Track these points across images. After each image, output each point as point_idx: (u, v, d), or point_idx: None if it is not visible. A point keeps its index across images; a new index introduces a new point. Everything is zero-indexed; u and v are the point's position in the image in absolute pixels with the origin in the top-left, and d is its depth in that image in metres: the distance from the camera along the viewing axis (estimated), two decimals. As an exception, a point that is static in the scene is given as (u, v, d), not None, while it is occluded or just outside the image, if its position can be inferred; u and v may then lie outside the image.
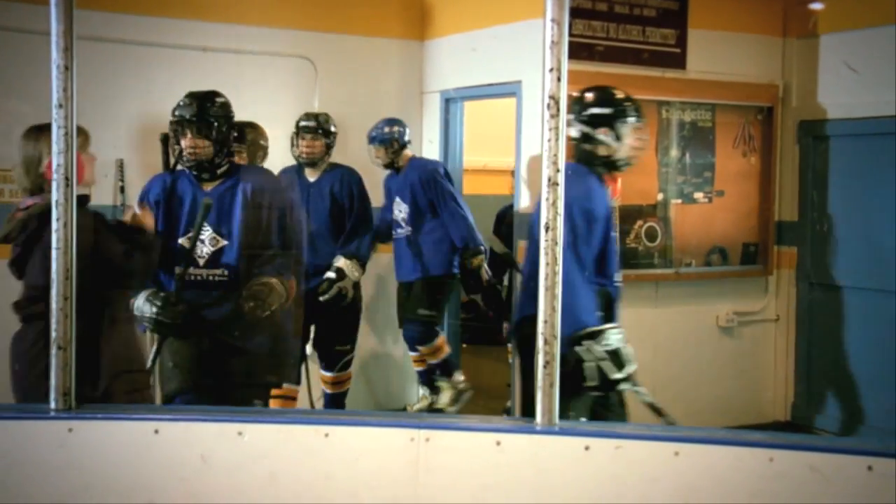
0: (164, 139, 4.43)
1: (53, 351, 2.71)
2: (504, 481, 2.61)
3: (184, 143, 4.00)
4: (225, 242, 4.04)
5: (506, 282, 6.50)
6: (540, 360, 2.62)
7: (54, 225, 2.71)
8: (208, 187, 4.08)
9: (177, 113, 4.06)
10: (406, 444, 2.65)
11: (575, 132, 3.92)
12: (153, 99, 5.74)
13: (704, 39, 6.25)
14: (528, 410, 2.76)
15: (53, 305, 2.71)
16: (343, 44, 6.38)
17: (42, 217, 3.43)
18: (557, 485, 2.58)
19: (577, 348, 3.74)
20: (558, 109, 2.61)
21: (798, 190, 6.56)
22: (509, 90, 6.00)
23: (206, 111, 4.02)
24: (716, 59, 6.31)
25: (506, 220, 6.52)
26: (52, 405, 2.73)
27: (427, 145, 6.69)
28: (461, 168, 6.65)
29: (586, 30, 5.83)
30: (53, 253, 2.71)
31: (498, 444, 2.61)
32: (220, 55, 6.00)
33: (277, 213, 4.11)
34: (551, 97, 2.61)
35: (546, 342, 2.62)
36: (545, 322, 2.62)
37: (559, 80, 2.61)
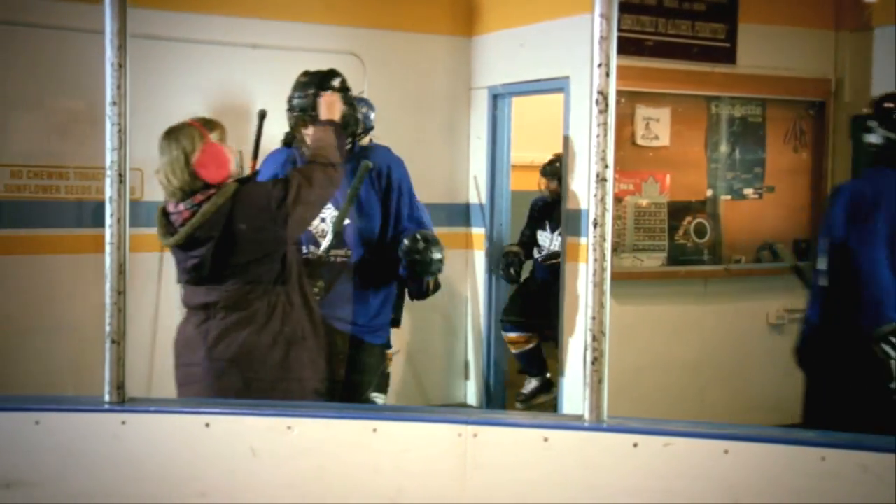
0: (262, 115, 4.35)
1: (107, 345, 2.75)
2: (551, 477, 2.60)
3: (306, 130, 3.91)
4: (348, 221, 3.98)
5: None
6: (588, 356, 2.61)
7: (108, 221, 2.75)
8: None
9: (296, 96, 3.98)
10: (454, 439, 2.65)
11: (876, 138, 3.90)
12: (204, 96, 5.82)
13: (755, 33, 6.18)
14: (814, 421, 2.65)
15: (108, 300, 2.75)
16: (391, 40, 6.40)
17: (222, 209, 3.44)
18: (605, 481, 2.57)
19: (883, 345, 3.63)
20: (607, 105, 2.60)
21: (851, 186, 6.46)
22: (557, 86, 5.98)
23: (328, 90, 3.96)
24: (766, 54, 6.24)
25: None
26: (106, 398, 2.77)
27: (475, 141, 6.69)
28: (509, 164, 6.64)
29: (635, 25, 5.79)
30: (107, 248, 2.75)
31: (545, 440, 2.61)
32: (269, 52, 6.05)
33: (397, 195, 4.05)
34: (600, 93, 2.60)
35: (594, 339, 2.61)
36: (593, 318, 2.61)
37: (608, 75, 2.60)
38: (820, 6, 6.46)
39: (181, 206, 3.50)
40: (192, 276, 3.57)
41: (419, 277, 4.03)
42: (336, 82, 3.97)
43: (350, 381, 3.95)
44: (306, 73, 4.03)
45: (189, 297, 3.63)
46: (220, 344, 3.52)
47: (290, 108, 3.98)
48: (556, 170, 6.33)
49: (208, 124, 3.58)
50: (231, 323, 3.51)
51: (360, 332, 4.01)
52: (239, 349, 3.50)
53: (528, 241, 6.80)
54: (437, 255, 3.93)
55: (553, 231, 6.60)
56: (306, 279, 3.67)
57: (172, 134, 3.54)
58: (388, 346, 4.50)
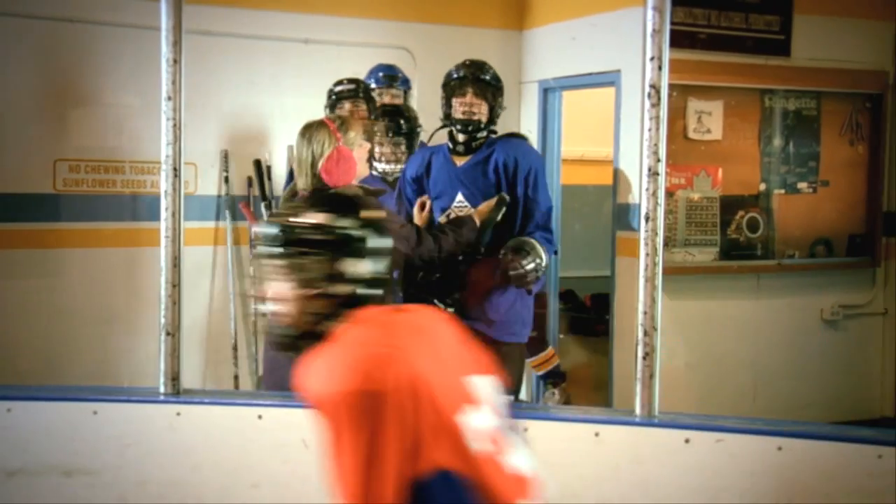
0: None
1: (162, 337, 2.80)
2: (602, 472, 2.60)
3: (458, 101, 3.94)
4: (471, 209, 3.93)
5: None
6: (640, 351, 2.60)
7: (162, 214, 2.79)
8: (460, 161, 4.00)
9: (458, 70, 4.02)
10: (504, 433, 2.66)
11: None
12: (257, 90, 5.88)
13: (810, 25, 6.09)
14: None
15: (162, 292, 2.80)
16: (442, 34, 6.41)
17: None
18: (656, 477, 2.57)
19: None
20: (659, 99, 2.59)
21: (908, 180, 6.37)
22: (608, 79, 5.95)
23: (485, 73, 3.99)
24: (822, 46, 6.15)
25: None
26: (161, 389, 2.82)
27: (526, 135, 6.67)
28: (559, 158, 6.62)
29: (687, 17, 5.74)
30: (162, 241, 2.79)
31: (597, 434, 2.61)
32: (321, 47, 6.09)
33: (523, 188, 3.96)
34: (652, 86, 2.59)
35: (646, 333, 2.60)
36: (644, 313, 2.61)
37: (660, 68, 2.59)
38: (877, -3, 6.36)
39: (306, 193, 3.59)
40: None
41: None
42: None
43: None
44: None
45: None
46: None
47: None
48: None
49: (343, 125, 3.61)
50: None
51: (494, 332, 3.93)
52: None
53: None
54: (529, 266, 3.82)
55: None
56: None
57: (306, 133, 3.57)
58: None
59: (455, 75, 4.03)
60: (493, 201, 3.83)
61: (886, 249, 6.42)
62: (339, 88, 4.89)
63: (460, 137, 3.97)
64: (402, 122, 4.75)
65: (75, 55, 5.63)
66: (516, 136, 4.26)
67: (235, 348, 5.79)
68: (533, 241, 3.86)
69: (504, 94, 4.05)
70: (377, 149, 4.62)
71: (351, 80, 4.97)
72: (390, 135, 4.63)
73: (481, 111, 3.92)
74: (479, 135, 3.94)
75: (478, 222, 3.82)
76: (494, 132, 4.04)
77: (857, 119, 6.29)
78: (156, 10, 2.77)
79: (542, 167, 4.09)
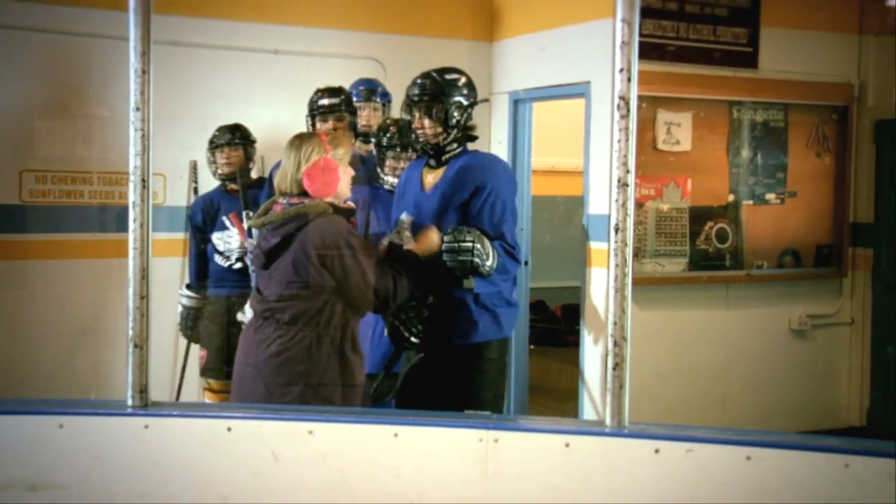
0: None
1: (130, 349, 2.77)
2: (573, 483, 2.60)
3: (413, 124, 3.86)
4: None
5: None
6: (610, 361, 2.61)
7: (131, 225, 2.77)
8: (430, 176, 3.92)
9: (408, 92, 3.89)
10: (475, 444, 2.65)
11: None
12: (226, 101, 5.86)
13: (777, 38, 6.16)
14: None
15: (130, 304, 2.77)
16: (412, 45, 6.41)
17: (301, 218, 3.48)
18: (627, 487, 2.57)
19: None
20: (628, 110, 2.60)
21: (874, 190, 6.44)
22: (578, 91, 5.97)
23: (425, 94, 3.83)
24: (789, 58, 6.22)
25: None
26: (129, 402, 2.79)
27: (496, 146, 6.69)
28: (529, 169, 6.64)
29: (656, 29, 5.79)
30: (130, 252, 2.77)
31: (567, 445, 2.61)
32: (291, 57, 6.08)
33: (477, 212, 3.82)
34: (621, 98, 2.60)
35: (616, 344, 2.61)
36: (614, 324, 2.61)
37: (629, 80, 2.60)
38: (843, 10, 6.43)
39: (281, 200, 3.57)
40: (255, 263, 3.73)
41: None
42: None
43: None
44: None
45: (250, 302, 3.77)
46: (251, 352, 3.59)
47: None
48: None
49: (334, 141, 3.62)
50: (262, 336, 3.56)
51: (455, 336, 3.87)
52: (258, 361, 3.54)
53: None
54: (467, 243, 3.64)
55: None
56: (355, 336, 3.63)
57: (296, 140, 3.59)
58: None
59: (405, 96, 3.93)
60: (432, 237, 3.69)
61: (853, 260, 6.50)
62: (324, 102, 4.86)
63: (426, 155, 3.92)
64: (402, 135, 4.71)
65: (42, 65, 5.59)
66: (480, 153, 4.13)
67: (205, 360, 5.75)
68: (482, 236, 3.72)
69: (466, 94, 3.87)
70: (389, 162, 4.60)
71: (333, 92, 4.95)
72: (398, 149, 4.59)
73: (431, 131, 3.82)
74: (448, 149, 3.86)
75: (419, 256, 3.68)
76: (473, 137, 3.93)
77: (823, 131, 6.36)
78: (124, 20, 2.75)
79: (501, 183, 3.86)
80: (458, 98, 3.84)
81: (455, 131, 3.84)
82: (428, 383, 3.85)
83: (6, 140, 5.53)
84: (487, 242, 3.70)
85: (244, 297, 4.87)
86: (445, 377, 3.82)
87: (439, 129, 3.82)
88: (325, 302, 3.50)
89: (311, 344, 3.49)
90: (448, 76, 3.89)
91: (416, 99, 3.85)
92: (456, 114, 3.82)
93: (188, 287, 5.35)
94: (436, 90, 3.85)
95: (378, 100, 5.29)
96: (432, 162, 3.90)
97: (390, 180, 4.52)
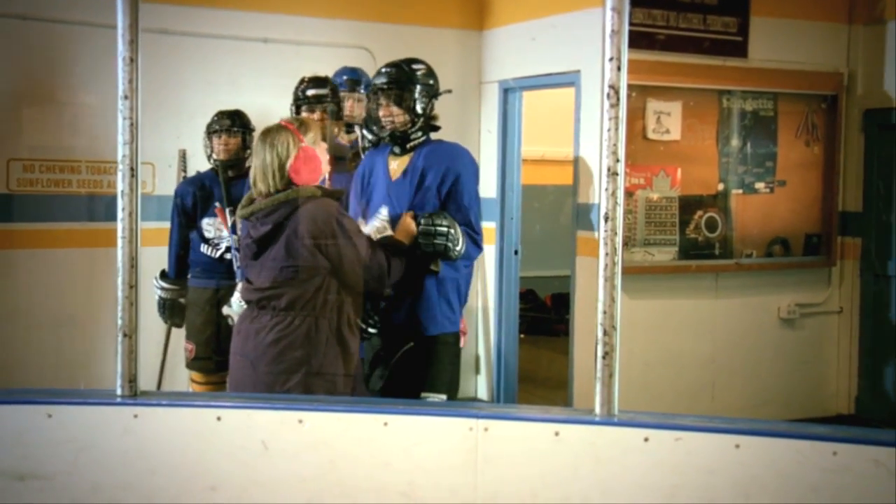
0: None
1: (119, 338, 2.76)
2: (562, 471, 2.60)
3: (379, 111, 3.92)
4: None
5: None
6: (599, 350, 2.61)
7: (119, 214, 2.76)
8: (394, 163, 3.97)
9: (374, 81, 3.97)
10: (464, 433, 2.66)
11: None
12: (215, 90, 5.84)
13: (767, 27, 6.16)
14: None
15: (119, 293, 2.76)
16: (402, 34, 6.40)
17: (292, 204, 3.49)
18: (616, 475, 2.57)
19: None
20: (618, 99, 2.59)
21: (863, 179, 6.45)
22: (568, 80, 5.97)
23: (392, 82, 3.91)
24: (778, 47, 6.22)
25: None
26: (118, 392, 2.78)
27: (485, 136, 6.69)
28: (520, 158, 6.64)
29: (646, 18, 5.78)
30: (119, 241, 2.76)
31: (556, 434, 2.61)
32: (280, 46, 6.07)
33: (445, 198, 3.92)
34: (611, 87, 2.60)
35: (605, 333, 2.61)
36: (604, 313, 2.61)
37: (619, 69, 2.60)
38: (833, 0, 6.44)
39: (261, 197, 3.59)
40: (243, 256, 3.70)
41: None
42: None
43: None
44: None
45: (242, 292, 3.76)
46: (249, 341, 3.58)
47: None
48: None
49: (302, 126, 3.62)
50: (259, 325, 3.56)
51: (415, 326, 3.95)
52: (257, 350, 3.54)
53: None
54: (441, 226, 3.76)
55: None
56: (352, 318, 3.64)
57: (268, 138, 3.57)
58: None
59: (371, 85, 4.02)
60: (410, 223, 3.79)
61: (842, 249, 6.51)
62: (310, 92, 4.87)
63: (392, 142, 3.98)
64: None
65: (30, 53, 5.56)
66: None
67: (194, 350, 5.74)
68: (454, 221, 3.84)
69: (431, 84, 3.96)
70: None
71: (320, 82, 4.94)
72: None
73: (398, 118, 3.90)
74: (412, 136, 3.93)
75: (405, 243, 3.79)
76: (435, 127, 4.00)
77: (812, 120, 6.37)
78: (112, 8, 2.74)
79: (466, 173, 3.96)
80: (423, 87, 3.94)
81: (420, 120, 3.93)
82: (392, 372, 3.93)
83: (-6, 129, 5.51)
84: (458, 227, 3.82)
85: (234, 289, 4.86)
86: (405, 366, 3.90)
87: (406, 117, 3.90)
88: (319, 286, 3.51)
89: (309, 328, 3.50)
90: (414, 66, 4.00)
91: (384, 87, 3.92)
92: (421, 102, 3.92)
93: (163, 277, 5.26)
94: (403, 79, 3.94)
95: (362, 91, 5.27)
96: (397, 149, 3.97)
97: None
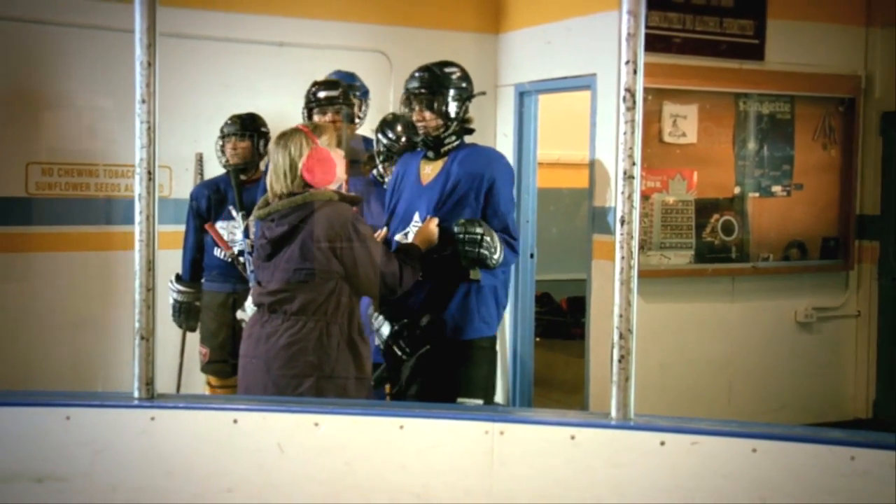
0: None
1: (136, 341, 2.77)
2: (578, 475, 2.60)
3: (413, 117, 3.89)
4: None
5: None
6: (615, 354, 2.61)
7: (137, 218, 2.77)
8: (427, 178, 3.94)
9: (407, 85, 3.94)
10: (480, 436, 2.66)
11: None
12: (231, 93, 5.86)
13: (784, 30, 6.14)
14: None
15: (137, 296, 2.77)
16: (418, 38, 6.40)
17: (308, 207, 3.50)
18: (632, 479, 2.57)
19: None
20: (634, 102, 2.59)
21: (880, 182, 6.42)
22: (584, 83, 5.97)
23: (424, 86, 3.88)
24: (795, 50, 6.20)
25: None
26: (136, 394, 2.80)
27: (501, 139, 6.69)
28: (535, 161, 6.63)
29: (662, 21, 5.77)
30: (136, 245, 2.77)
31: (572, 438, 2.61)
32: (296, 50, 6.08)
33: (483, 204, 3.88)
34: (627, 90, 2.60)
35: (621, 336, 2.60)
36: (620, 316, 2.61)
37: (635, 72, 2.59)
38: (850, 2, 6.41)
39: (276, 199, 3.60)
40: (255, 257, 3.71)
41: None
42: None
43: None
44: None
45: (252, 297, 3.77)
46: (260, 345, 3.60)
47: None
48: None
49: (317, 129, 3.63)
50: (271, 329, 3.57)
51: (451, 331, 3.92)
52: (269, 354, 3.55)
53: None
54: (477, 233, 3.70)
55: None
56: (362, 324, 3.65)
57: (282, 139, 3.60)
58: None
59: (404, 89, 3.96)
60: (431, 229, 3.76)
61: (859, 252, 6.48)
62: (321, 95, 4.87)
63: (425, 147, 3.95)
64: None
65: (48, 58, 5.59)
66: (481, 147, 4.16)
67: (210, 352, 5.76)
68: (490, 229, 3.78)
69: (465, 87, 3.94)
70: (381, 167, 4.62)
71: (331, 85, 4.94)
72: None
73: (432, 123, 3.86)
74: (447, 141, 3.90)
75: (422, 249, 3.76)
76: (470, 130, 3.97)
77: (830, 123, 6.35)
78: (130, 13, 2.75)
79: (503, 177, 3.94)
80: (456, 91, 3.90)
81: (454, 124, 3.89)
82: (425, 376, 3.90)
83: (12, 132, 5.54)
84: (495, 235, 3.77)
85: (247, 293, 4.87)
86: (442, 370, 3.87)
87: (440, 122, 3.87)
88: (331, 290, 3.51)
89: (321, 334, 3.50)
90: (447, 69, 3.96)
91: (416, 91, 3.89)
92: (455, 106, 3.88)
93: (178, 280, 5.28)
94: (435, 83, 3.90)
95: (357, 94, 5.27)
96: (431, 154, 3.94)
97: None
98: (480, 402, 3.89)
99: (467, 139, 3.99)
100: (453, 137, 3.91)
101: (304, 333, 3.50)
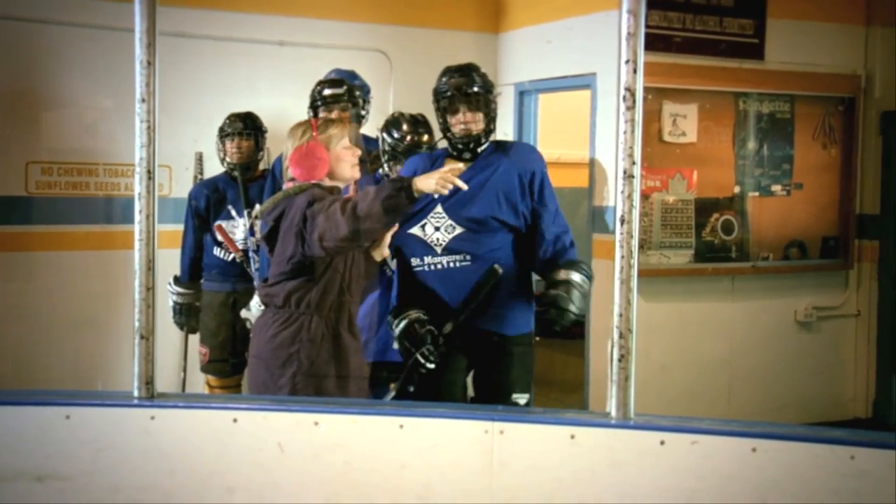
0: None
1: (136, 340, 2.78)
2: (578, 474, 2.60)
3: (453, 119, 3.82)
4: (461, 230, 3.80)
5: None
6: (615, 353, 2.61)
7: (136, 217, 2.77)
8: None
9: (445, 85, 3.86)
10: (480, 436, 2.66)
11: None
12: (232, 92, 5.85)
13: (783, 29, 6.14)
14: None
15: (136, 296, 2.78)
16: (418, 37, 6.40)
17: (289, 199, 3.50)
18: (632, 479, 2.57)
19: None
20: (634, 101, 2.59)
21: (880, 182, 6.42)
22: (584, 82, 5.96)
23: (473, 84, 3.83)
24: (795, 49, 6.20)
25: None
26: (136, 393, 2.80)
27: (501, 138, 6.68)
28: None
29: (662, 21, 5.77)
30: (136, 244, 2.77)
31: (572, 437, 2.61)
32: (296, 49, 6.08)
33: (538, 198, 3.88)
34: (627, 89, 2.60)
35: (621, 335, 2.60)
36: (620, 315, 2.61)
37: (635, 71, 2.60)
38: (850, 2, 6.41)
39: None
40: (265, 247, 3.72)
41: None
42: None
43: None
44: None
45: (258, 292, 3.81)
46: (255, 339, 3.64)
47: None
48: None
49: (325, 124, 3.62)
50: (263, 322, 3.59)
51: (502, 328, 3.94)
52: (259, 347, 3.57)
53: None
54: (573, 309, 3.77)
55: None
56: (352, 319, 3.62)
57: (291, 129, 3.64)
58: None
59: (444, 90, 3.88)
60: (446, 176, 3.42)
61: (859, 251, 6.48)
62: (327, 92, 4.85)
63: (463, 150, 3.87)
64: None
65: (48, 57, 5.59)
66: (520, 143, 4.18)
67: (210, 352, 5.76)
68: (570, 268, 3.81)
69: (494, 89, 3.96)
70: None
71: (336, 83, 4.93)
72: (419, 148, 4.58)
73: (478, 124, 3.83)
74: (483, 141, 3.87)
75: (416, 189, 3.31)
76: (494, 131, 3.96)
77: (829, 122, 6.34)
78: (130, 12, 2.75)
79: (545, 168, 3.99)
80: (493, 91, 3.92)
81: (493, 123, 3.89)
82: (468, 374, 3.93)
83: (12, 131, 5.53)
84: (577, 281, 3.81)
85: (249, 292, 4.86)
86: (490, 368, 3.89)
87: (484, 124, 3.85)
88: (314, 282, 3.51)
89: (302, 325, 3.50)
90: (481, 70, 3.95)
91: (469, 92, 3.82)
92: (495, 107, 3.89)
93: (176, 281, 5.26)
94: (485, 83, 3.90)
95: (358, 94, 5.26)
96: (467, 155, 3.86)
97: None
98: (528, 396, 3.94)
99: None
100: (486, 140, 3.89)
101: (287, 324, 3.51)
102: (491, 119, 3.87)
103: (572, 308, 3.79)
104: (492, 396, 3.81)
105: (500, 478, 2.64)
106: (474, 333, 3.84)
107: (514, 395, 3.85)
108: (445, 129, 3.89)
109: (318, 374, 3.52)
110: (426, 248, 3.82)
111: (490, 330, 3.86)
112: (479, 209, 3.80)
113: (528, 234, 3.91)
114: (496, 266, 3.77)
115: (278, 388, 3.46)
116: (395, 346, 3.84)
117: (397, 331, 3.79)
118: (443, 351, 3.75)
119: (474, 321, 3.82)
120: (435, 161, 3.94)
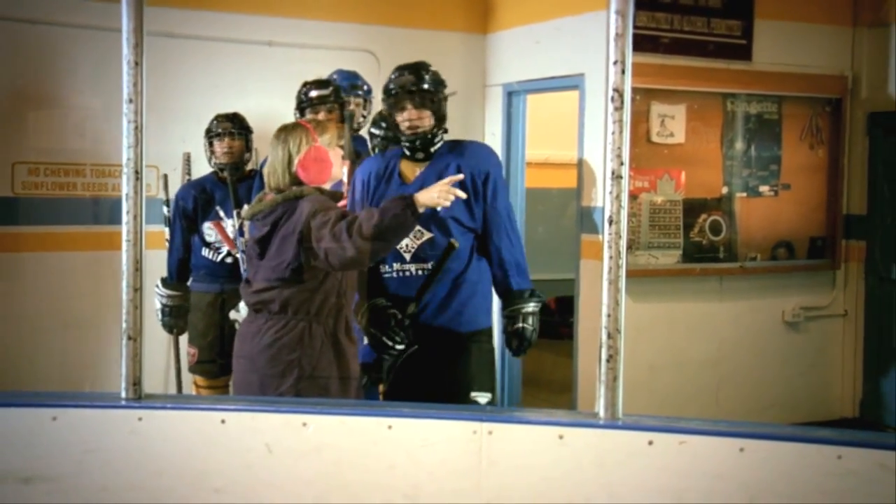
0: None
1: (124, 341, 2.77)
2: (566, 475, 2.60)
3: (400, 117, 3.79)
4: (430, 235, 3.77)
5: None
6: (603, 353, 2.61)
7: (124, 217, 2.76)
8: (419, 169, 3.85)
9: (392, 85, 3.84)
10: (469, 436, 2.66)
11: None
12: (220, 93, 5.84)
13: (771, 30, 6.16)
14: None
15: (124, 296, 2.77)
16: (406, 37, 6.40)
17: (289, 204, 3.48)
18: (620, 479, 2.57)
19: None
20: (622, 102, 2.59)
21: (867, 183, 6.44)
22: (572, 83, 5.97)
23: (420, 82, 3.81)
24: (783, 51, 6.22)
25: None
26: (123, 395, 2.79)
27: (490, 138, 6.69)
28: (524, 161, 6.64)
29: (650, 21, 5.78)
30: (123, 244, 2.76)
31: (561, 437, 2.61)
32: (285, 49, 6.07)
33: (490, 200, 3.85)
34: (615, 90, 2.60)
35: (609, 336, 2.61)
36: (608, 316, 2.61)
37: (623, 72, 2.60)
38: (837, 2, 6.43)
39: (272, 193, 3.60)
40: (248, 258, 3.72)
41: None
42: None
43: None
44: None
45: (242, 295, 3.76)
46: (246, 343, 3.60)
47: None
48: None
49: (319, 126, 3.62)
50: (255, 328, 3.57)
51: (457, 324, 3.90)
52: (253, 353, 3.55)
53: None
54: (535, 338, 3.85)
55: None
56: (349, 323, 3.62)
57: (282, 134, 3.59)
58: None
59: (391, 88, 3.86)
60: (446, 188, 3.50)
61: (846, 252, 6.51)
62: (314, 94, 4.85)
63: (414, 148, 3.85)
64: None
65: (35, 57, 5.57)
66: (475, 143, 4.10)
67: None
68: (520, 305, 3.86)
69: (446, 86, 3.91)
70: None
71: (322, 84, 4.93)
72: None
73: (425, 122, 3.79)
74: (436, 140, 3.84)
75: (419, 205, 3.42)
76: (446, 130, 3.92)
77: (817, 123, 6.37)
78: (117, 12, 2.74)
79: (501, 171, 3.98)
80: (442, 90, 3.88)
81: (443, 122, 3.86)
82: (427, 373, 3.83)
83: (-1, 132, 5.52)
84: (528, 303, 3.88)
85: (237, 293, 4.84)
86: (447, 366, 3.83)
87: (433, 121, 3.82)
88: (314, 289, 3.50)
89: (303, 332, 3.49)
90: (431, 68, 3.92)
91: (414, 89, 3.81)
92: (444, 104, 3.85)
93: (164, 284, 5.21)
94: (433, 81, 3.86)
95: (361, 94, 5.27)
96: (420, 155, 3.85)
97: None
98: (490, 395, 3.86)
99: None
100: (440, 137, 3.87)
101: (287, 331, 3.50)
102: (439, 117, 3.84)
103: (535, 337, 3.87)
104: (449, 395, 3.72)
105: (489, 478, 2.64)
106: (430, 332, 3.80)
107: (473, 394, 3.79)
108: (395, 127, 3.87)
109: (320, 381, 3.51)
110: (396, 255, 3.78)
111: (445, 327, 3.82)
112: (440, 209, 3.73)
113: (484, 235, 3.90)
114: (452, 240, 3.74)
115: (280, 395, 3.45)
116: (365, 340, 3.82)
117: (363, 321, 3.78)
118: (409, 333, 3.74)
119: (430, 320, 3.80)
120: (389, 161, 3.92)
